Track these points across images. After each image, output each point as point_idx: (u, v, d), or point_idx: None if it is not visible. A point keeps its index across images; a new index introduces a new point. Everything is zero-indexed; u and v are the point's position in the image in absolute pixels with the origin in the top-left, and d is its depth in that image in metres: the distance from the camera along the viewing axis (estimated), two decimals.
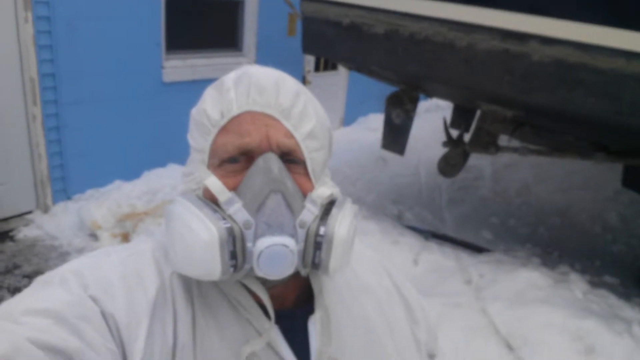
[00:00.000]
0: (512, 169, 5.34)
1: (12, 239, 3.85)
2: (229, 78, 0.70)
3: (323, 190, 0.69)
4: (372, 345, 0.79)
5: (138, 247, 0.73)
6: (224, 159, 0.67)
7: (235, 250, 0.62)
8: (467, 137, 3.74)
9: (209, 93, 0.71)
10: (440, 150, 3.78)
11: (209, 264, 0.61)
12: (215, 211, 0.64)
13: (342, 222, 0.67)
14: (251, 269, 0.64)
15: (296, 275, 0.67)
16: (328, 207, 0.70)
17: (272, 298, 0.68)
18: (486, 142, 3.49)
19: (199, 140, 0.70)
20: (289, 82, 0.71)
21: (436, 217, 4.53)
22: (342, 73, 6.95)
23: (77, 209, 4.14)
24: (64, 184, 4.29)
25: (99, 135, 4.35)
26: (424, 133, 5.70)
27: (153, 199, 4.39)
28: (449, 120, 3.97)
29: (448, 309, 2.97)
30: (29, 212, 4.15)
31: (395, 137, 4.01)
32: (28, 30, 3.69)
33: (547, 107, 2.73)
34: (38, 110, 3.92)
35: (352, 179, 5.11)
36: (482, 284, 3.17)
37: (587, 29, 2.38)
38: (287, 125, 0.68)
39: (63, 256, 3.67)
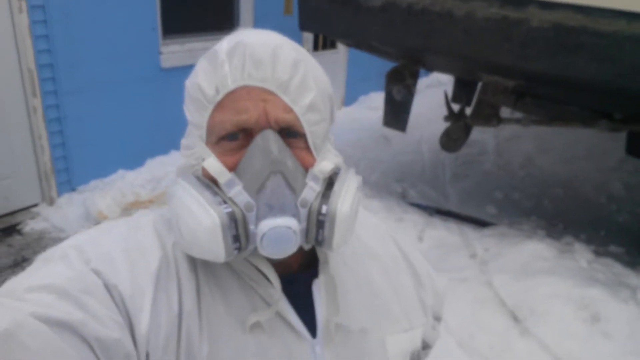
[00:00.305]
0: (514, 142, 5.30)
1: (19, 232, 3.88)
2: (222, 49, 0.67)
3: (325, 164, 0.68)
4: (378, 309, 0.79)
5: (138, 220, 0.73)
6: (221, 136, 0.66)
7: (238, 233, 0.62)
8: (468, 111, 3.70)
9: (202, 65, 0.68)
10: (443, 126, 3.75)
11: (213, 248, 0.61)
12: (215, 194, 0.63)
13: (345, 197, 0.66)
14: (255, 249, 0.64)
15: (300, 248, 0.67)
16: (330, 181, 0.69)
17: (276, 265, 0.68)
18: (488, 115, 3.45)
19: (195, 115, 0.68)
20: (287, 51, 0.67)
21: (440, 193, 4.52)
22: (341, 52, 6.88)
23: (82, 200, 4.16)
24: (68, 175, 4.30)
25: (100, 125, 4.34)
26: (426, 109, 5.66)
27: (157, 187, 4.39)
28: (450, 95, 3.93)
29: (454, 284, 2.98)
30: (35, 205, 4.16)
31: (397, 113, 3.98)
32: (23, 20, 3.66)
33: (548, 73, 2.69)
34: (38, 102, 3.91)
35: (354, 159, 5.09)
36: (487, 258, 3.18)
37: None
38: (286, 99, 0.65)
39: None
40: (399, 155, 5.27)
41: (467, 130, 3.70)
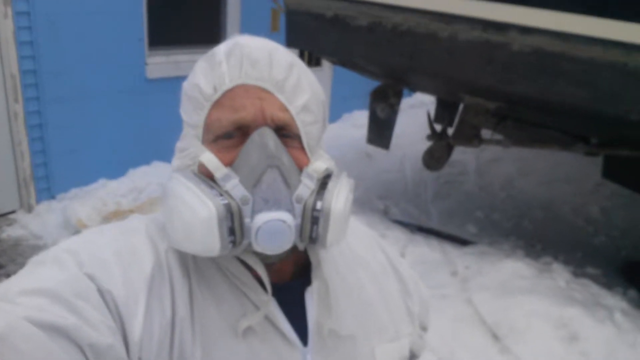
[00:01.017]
0: (496, 164, 5.38)
1: None
2: (220, 50, 0.69)
3: (319, 164, 0.69)
4: (368, 316, 0.80)
5: (131, 224, 0.73)
6: (218, 135, 0.67)
7: (234, 226, 0.62)
8: (450, 131, 3.76)
9: (200, 66, 0.70)
10: (425, 145, 3.80)
11: (208, 240, 0.61)
12: (212, 187, 0.63)
13: (339, 196, 0.67)
14: (249, 245, 0.64)
15: (293, 249, 0.67)
16: (324, 181, 0.69)
17: (269, 272, 0.68)
18: (469, 135, 3.52)
19: (192, 115, 0.69)
20: (282, 54, 0.70)
21: (422, 211, 4.55)
22: (326, 69, 6.94)
23: (62, 208, 4.09)
24: (48, 182, 4.24)
25: (82, 133, 4.30)
26: (409, 129, 5.72)
27: (139, 197, 4.34)
28: (433, 115, 4.00)
29: (435, 301, 2.98)
30: (13, 212, 4.10)
31: (380, 131, 4.03)
32: (8, 25, 3.64)
33: (528, 96, 2.76)
34: (20, 108, 3.87)
35: None
36: (467, 275, 3.20)
37: (565, 17, 2.42)
38: (282, 98, 0.67)
39: None
40: (382, 173, 5.31)
41: (449, 150, 3.76)
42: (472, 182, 5.19)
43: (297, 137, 0.69)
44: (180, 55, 4.89)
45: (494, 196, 4.87)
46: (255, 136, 0.64)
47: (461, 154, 5.34)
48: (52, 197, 4.29)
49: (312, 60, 6.76)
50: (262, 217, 0.62)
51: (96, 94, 4.32)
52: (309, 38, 3.62)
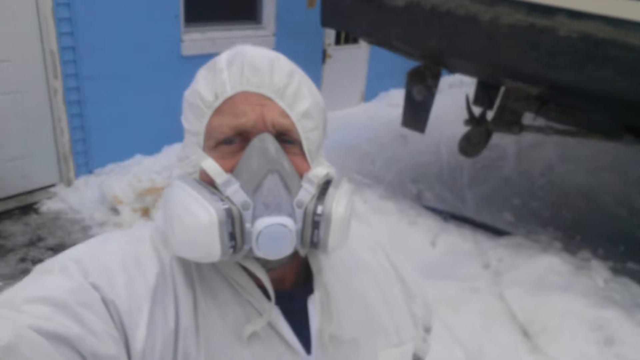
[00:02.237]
0: (536, 149, 5.19)
1: (36, 211, 3.93)
2: (222, 58, 0.69)
3: (319, 170, 0.69)
4: (370, 321, 0.80)
5: (136, 233, 0.73)
6: (219, 141, 0.66)
7: (234, 231, 0.62)
8: (490, 114, 3.62)
9: (202, 74, 0.70)
10: (463, 128, 3.68)
11: (209, 245, 0.61)
12: (213, 193, 0.63)
13: (339, 200, 0.66)
14: (250, 250, 0.64)
15: (294, 256, 0.68)
16: (324, 186, 0.69)
17: (271, 280, 0.68)
18: (510, 121, 3.37)
19: (194, 122, 0.69)
20: (283, 62, 0.70)
21: (457, 196, 4.44)
22: (363, 46, 6.79)
23: (99, 183, 4.19)
24: (86, 157, 4.34)
25: (119, 109, 4.36)
26: (447, 110, 5.56)
27: (172, 175, 4.40)
28: (472, 97, 3.85)
29: (464, 293, 2.93)
30: (53, 185, 4.22)
31: (416, 114, 3.92)
32: (47, 2, 3.68)
33: (574, 84, 2.61)
34: (59, 84, 3.94)
35: (371, 157, 5.04)
36: (500, 269, 3.12)
37: (618, 2, 2.25)
38: (282, 104, 0.67)
39: (85, 230, 3.73)
40: (416, 155, 5.20)
41: (488, 136, 3.63)
42: (511, 167, 5.03)
43: (298, 143, 0.69)
44: (216, 32, 4.85)
45: (533, 182, 4.71)
46: (255, 141, 0.64)
47: (500, 138, 5.15)
48: (90, 171, 4.39)
49: (350, 38, 6.62)
50: (263, 222, 0.62)
51: (132, 71, 4.35)
52: (345, 18, 3.52)
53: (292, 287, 0.74)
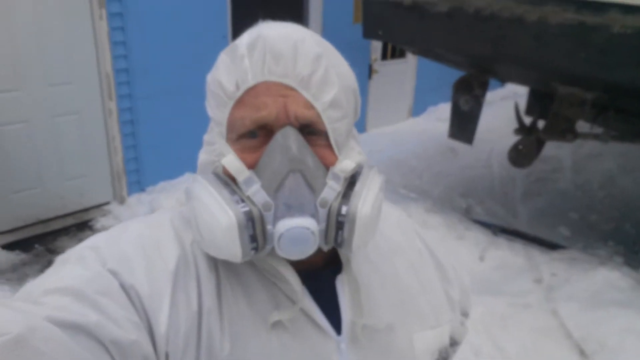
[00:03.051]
0: (595, 160, 4.91)
1: (90, 228, 4.10)
2: (243, 43, 0.65)
3: (346, 163, 0.66)
4: (404, 305, 0.78)
5: (156, 218, 0.72)
6: (241, 134, 0.65)
7: (256, 233, 0.61)
8: (542, 124, 3.46)
9: (222, 60, 0.67)
10: (516, 139, 3.53)
11: (230, 248, 0.60)
12: (233, 193, 0.62)
13: (366, 199, 0.64)
14: (273, 249, 0.63)
15: (319, 249, 0.65)
16: (352, 180, 0.66)
17: (301, 261, 0.65)
18: (562, 129, 3.21)
19: (216, 111, 0.68)
20: (309, 45, 0.65)
21: (509, 211, 4.26)
22: (410, 60, 6.74)
23: (150, 200, 4.33)
24: (138, 176, 4.50)
25: (170, 129, 4.51)
26: (499, 122, 5.40)
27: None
28: (524, 107, 3.71)
29: (515, 309, 2.78)
30: (107, 203, 4.39)
31: (463, 125, 3.82)
32: (103, 27, 3.89)
33: (631, 84, 2.45)
34: (114, 105, 4.13)
35: (418, 171, 4.94)
36: (553, 283, 2.94)
37: None
38: (307, 95, 0.63)
39: None
40: (466, 169, 5.05)
41: (539, 145, 3.47)
42: (568, 179, 4.78)
43: (324, 134, 0.65)
44: None
45: (591, 196, 4.45)
46: (278, 137, 0.62)
47: (556, 149, 4.94)
48: (142, 189, 4.54)
49: (396, 52, 6.59)
50: (285, 224, 0.60)
51: (183, 91, 4.50)
52: (387, 27, 3.50)
53: (321, 267, 0.73)
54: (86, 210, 4.26)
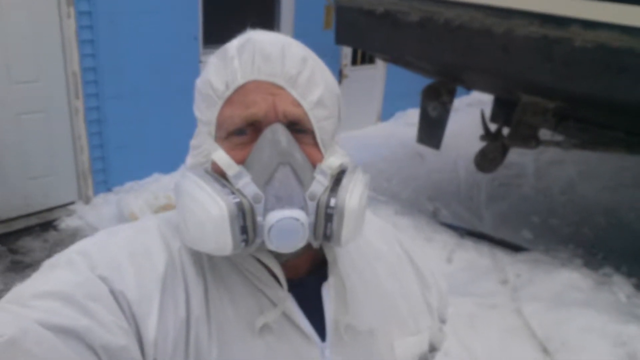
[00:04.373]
0: (556, 166, 5.11)
1: (55, 228, 3.99)
2: (233, 46, 0.68)
3: (333, 160, 0.67)
4: (386, 310, 0.79)
5: (143, 224, 0.72)
6: (230, 131, 0.66)
7: (246, 224, 0.61)
8: (506, 131, 3.59)
9: (213, 62, 0.69)
10: (481, 146, 3.65)
11: (220, 239, 0.60)
12: (224, 186, 0.62)
13: (353, 192, 0.65)
14: (262, 243, 0.63)
15: (308, 246, 0.66)
16: (338, 177, 0.68)
17: (285, 268, 0.67)
18: (526, 136, 3.33)
19: (205, 112, 0.68)
20: (295, 48, 0.68)
21: (474, 214, 4.39)
22: (379, 67, 6.84)
23: (117, 200, 4.25)
24: (105, 175, 4.41)
25: (138, 129, 4.44)
26: (465, 128, 5.55)
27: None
28: (489, 114, 3.84)
29: (482, 309, 2.87)
30: (72, 203, 4.29)
31: (431, 130, 3.92)
32: (71, 25, 3.80)
33: (591, 95, 2.58)
34: (80, 104, 4.04)
35: (387, 174, 5.02)
36: (518, 284, 3.05)
37: (634, 11, 2.22)
38: (294, 93, 0.65)
39: None
40: (433, 173, 5.17)
41: (504, 151, 3.59)
42: (530, 185, 4.95)
43: (311, 133, 0.67)
44: None
45: (552, 200, 4.62)
46: (267, 133, 0.63)
47: (519, 156, 5.11)
48: (109, 189, 4.46)
49: (366, 58, 6.68)
50: (275, 216, 0.61)
51: (152, 91, 4.44)
52: (359, 35, 3.56)
53: (306, 275, 0.73)
54: (50, 210, 4.16)
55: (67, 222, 4.06)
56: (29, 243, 3.74)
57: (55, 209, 4.18)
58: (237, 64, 0.65)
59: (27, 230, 3.89)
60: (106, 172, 4.39)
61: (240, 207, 0.60)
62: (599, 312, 2.60)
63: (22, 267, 3.44)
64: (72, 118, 4.07)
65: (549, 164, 5.20)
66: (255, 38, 0.67)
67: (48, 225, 4.01)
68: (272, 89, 0.65)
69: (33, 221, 4.01)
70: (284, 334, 0.68)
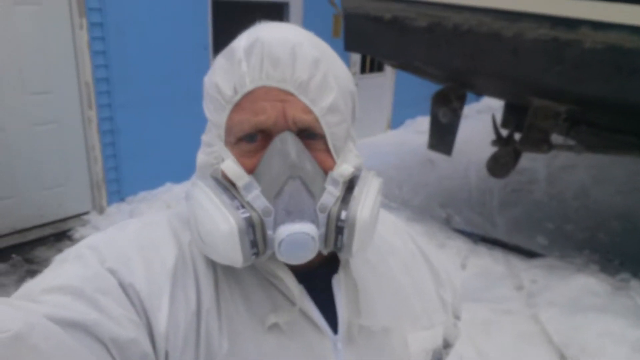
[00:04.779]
0: (568, 171, 5.06)
1: (69, 238, 4.02)
2: (240, 46, 0.65)
3: (345, 167, 0.66)
4: (400, 306, 0.78)
5: (153, 218, 0.72)
6: (240, 137, 0.64)
7: (256, 238, 0.61)
8: (518, 136, 3.57)
9: (220, 63, 0.67)
10: (492, 151, 3.63)
11: (230, 253, 0.60)
12: (233, 198, 0.62)
13: (365, 203, 0.64)
14: (273, 253, 0.63)
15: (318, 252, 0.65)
16: (350, 184, 0.67)
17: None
18: (538, 140, 3.31)
19: (214, 114, 0.67)
20: (307, 49, 0.64)
21: (487, 220, 4.35)
22: (388, 74, 6.86)
23: (130, 210, 4.28)
24: (118, 185, 4.44)
25: (150, 138, 4.48)
26: (475, 135, 5.53)
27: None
28: (500, 119, 3.81)
29: (497, 315, 2.83)
30: (86, 213, 4.32)
31: (442, 136, 3.90)
32: (83, 36, 3.86)
33: (602, 97, 2.56)
34: (94, 114, 4.09)
35: (398, 182, 5.01)
36: (534, 290, 3.01)
37: None
38: (305, 100, 0.63)
39: None
40: (444, 179, 5.14)
41: (516, 156, 3.56)
42: (543, 190, 4.91)
43: (322, 138, 0.65)
44: None
45: (566, 206, 4.57)
46: (276, 142, 0.62)
47: (531, 161, 5.07)
48: (122, 199, 4.49)
49: (375, 66, 6.69)
50: (285, 230, 0.60)
51: (164, 101, 4.49)
52: (368, 41, 3.57)
53: (317, 267, 0.72)
54: (64, 220, 4.19)
55: (81, 232, 4.09)
56: (43, 253, 3.77)
57: (69, 219, 4.22)
58: (245, 68, 0.63)
59: (41, 241, 3.93)
60: (119, 182, 4.43)
61: (249, 222, 0.60)
62: (617, 317, 2.56)
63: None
64: (85, 128, 4.12)
65: (561, 169, 5.15)
66: (263, 38, 0.64)
67: (62, 236, 4.04)
68: (282, 95, 0.63)
69: (47, 231, 4.04)
70: (296, 327, 0.67)
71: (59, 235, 4.04)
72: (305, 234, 0.60)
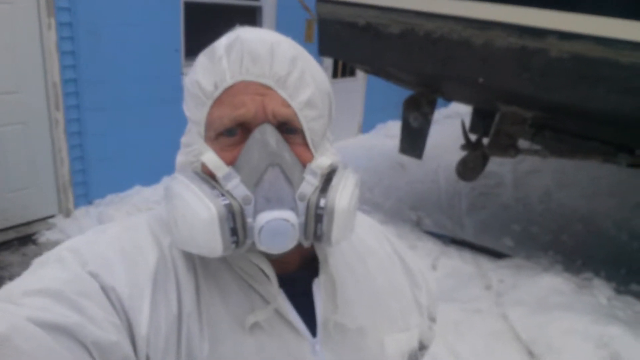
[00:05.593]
0: (533, 175, 5.23)
1: (34, 242, 3.91)
2: (221, 45, 0.67)
3: (323, 160, 0.67)
4: (376, 307, 0.79)
5: (133, 220, 0.72)
6: (220, 132, 0.65)
7: (236, 226, 0.61)
8: (486, 141, 3.68)
9: (201, 62, 0.68)
10: (460, 156, 3.72)
11: (210, 241, 0.60)
12: (213, 188, 0.62)
13: (343, 192, 0.65)
14: (253, 244, 0.63)
15: (298, 245, 0.66)
16: (328, 176, 0.68)
17: (275, 264, 0.67)
18: (505, 145, 3.42)
19: (194, 111, 0.68)
20: (285, 47, 0.67)
21: (456, 223, 4.45)
22: (359, 79, 6.94)
23: (98, 213, 4.19)
24: (86, 188, 4.34)
25: (119, 141, 4.40)
26: (444, 139, 5.64)
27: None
28: (468, 125, 3.91)
29: (467, 315, 2.90)
30: (52, 216, 4.21)
31: (413, 141, 3.98)
32: (51, 36, 3.77)
33: (567, 104, 2.66)
34: (61, 116, 3.99)
35: (369, 185, 5.07)
36: (502, 289, 3.10)
37: (608, 22, 2.32)
38: (283, 94, 0.65)
39: None
40: (415, 183, 5.24)
41: (484, 160, 3.67)
42: (509, 194, 5.05)
43: (301, 133, 0.67)
44: None
45: (531, 209, 4.72)
46: (256, 134, 0.63)
47: (498, 166, 5.22)
48: (90, 202, 4.39)
49: (346, 71, 6.76)
50: (265, 217, 0.61)
51: (133, 103, 4.41)
52: (341, 47, 3.61)
53: (296, 270, 0.73)
54: (29, 223, 4.07)
55: (47, 236, 3.98)
56: (7, 257, 3.65)
57: (34, 223, 4.10)
58: (225, 64, 0.65)
59: (5, 245, 3.80)
60: (87, 185, 4.33)
61: (229, 209, 0.60)
62: (581, 315, 2.66)
63: (1, 282, 3.36)
64: (52, 130, 4.02)
65: (526, 173, 5.32)
66: (243, 37, 0.66)
67: (27, 239, 3.92)
68: (261, 89, 0.64)
69: (11, 235, 3.91)
70: (275, 330, 0.68)
71: (23, 239, 3.92)
72: (284, 221, 0.61)
